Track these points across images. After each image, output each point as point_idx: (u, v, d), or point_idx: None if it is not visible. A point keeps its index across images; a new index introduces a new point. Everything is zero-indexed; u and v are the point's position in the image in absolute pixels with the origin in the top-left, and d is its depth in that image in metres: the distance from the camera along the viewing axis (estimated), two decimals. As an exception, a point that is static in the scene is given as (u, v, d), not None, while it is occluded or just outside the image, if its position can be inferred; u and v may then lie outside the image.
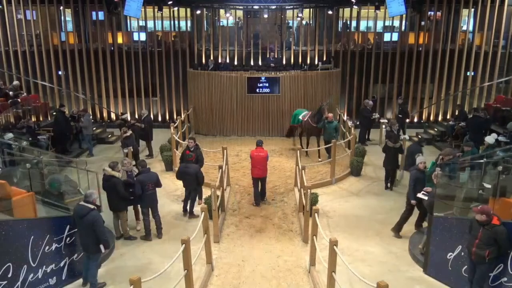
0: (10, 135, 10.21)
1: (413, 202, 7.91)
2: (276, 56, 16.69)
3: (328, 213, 9.17)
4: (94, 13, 17.03)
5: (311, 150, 12.73)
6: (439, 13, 16.77)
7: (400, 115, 14.70)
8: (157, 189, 8.10)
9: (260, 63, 17.23)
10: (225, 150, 10.37)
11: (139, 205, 8.25)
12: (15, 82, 14.83)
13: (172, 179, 10.81)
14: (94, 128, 14.71)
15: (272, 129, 15.51)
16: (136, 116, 16.92)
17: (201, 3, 16.84)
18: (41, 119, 14.35)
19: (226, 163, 10.29)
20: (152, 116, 16.68)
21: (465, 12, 16.69)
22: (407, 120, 15.32)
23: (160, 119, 17.65)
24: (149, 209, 8.00)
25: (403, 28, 17.48)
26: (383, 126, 13.85)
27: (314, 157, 12.50)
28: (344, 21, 17.37)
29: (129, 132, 11.46)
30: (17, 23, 16.50)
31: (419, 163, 8.07)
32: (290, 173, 11.41)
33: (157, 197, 8.10)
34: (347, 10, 17.02)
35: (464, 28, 17.00)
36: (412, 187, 7.88)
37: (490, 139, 9.62)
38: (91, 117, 14.42)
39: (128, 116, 14.14)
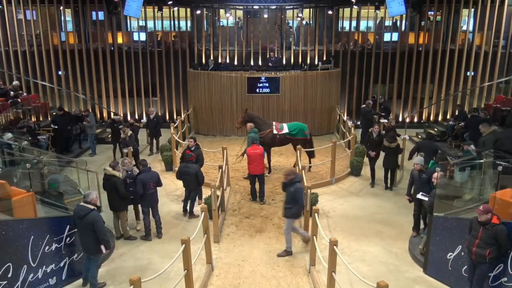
0: (9, 135, 10.21)
1: (406, 197, 8.12)
2: (276, 56, 16.68)
3: (328, 213, 9.17)
4: (94, 13, 17.04)
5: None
6: (439, 13, 16.77)
7: (383, 114, 14.74)
8: (157, 188, 8.09)
9: (260, 63, 17.23)
10: (225, 150, 10.37)
11: (139, 205, 8.24)
12: (15, 82, 14.83)
13: (172, 179, 10.81)
14: (94, 128, 14.71)
15: (272, 129, 15.48)
16: (136, 116, 17.00)
17: (201, 3, 16.83)
18: (41, 119, 14.36)
19: (226, 163, 10.29)
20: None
21: (465, 12, 16.68)
22: (390, 117, 15.19)
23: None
24: (150, 208, 8.01)
25: (403, 28, 17.48)
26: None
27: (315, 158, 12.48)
28: (351, 20, 17.27)
29: (129, 132, 11.48)
30: (17, 23, 16.49)
31: (414, 164, 8.11)
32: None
33: (157, 196, 8.11)
34: (347, 10, 17.02)
35: (464, 28, 16.99)
36: (409, 184, 8.10)
37: (490, 138, 9.62)
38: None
39: (119, 117, 14.04)
